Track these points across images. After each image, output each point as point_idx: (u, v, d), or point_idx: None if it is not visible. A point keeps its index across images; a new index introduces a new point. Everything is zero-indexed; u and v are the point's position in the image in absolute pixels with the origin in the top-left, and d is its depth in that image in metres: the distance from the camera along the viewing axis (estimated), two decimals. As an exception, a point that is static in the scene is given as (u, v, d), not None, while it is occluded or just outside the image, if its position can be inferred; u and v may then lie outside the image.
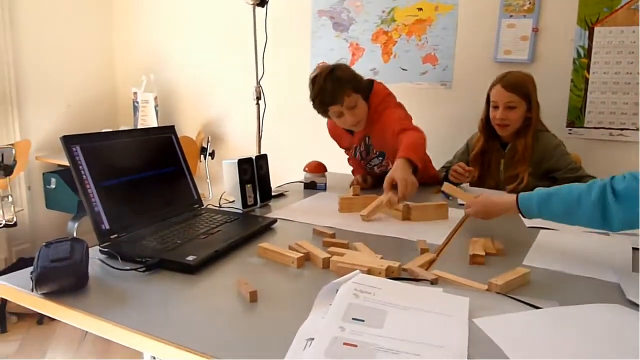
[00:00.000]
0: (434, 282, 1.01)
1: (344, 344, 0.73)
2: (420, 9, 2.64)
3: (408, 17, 2.67)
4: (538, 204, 1.18)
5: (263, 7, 1.93)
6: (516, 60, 2.42)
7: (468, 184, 2.06)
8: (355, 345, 0.73)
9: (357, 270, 0.95)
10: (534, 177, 1.92)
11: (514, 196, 1.25)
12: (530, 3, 2.39)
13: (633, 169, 2.26)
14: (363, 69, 2.81)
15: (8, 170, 2.58)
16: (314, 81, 1.83)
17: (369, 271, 1.03)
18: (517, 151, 1.95)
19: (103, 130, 3.21)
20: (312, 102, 1.86)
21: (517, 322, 0.83)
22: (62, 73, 3.32)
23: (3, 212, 2.58)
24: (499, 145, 2.04)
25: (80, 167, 1.15)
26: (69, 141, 1.15)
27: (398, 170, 1.53)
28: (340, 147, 2.15)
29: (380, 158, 2.01)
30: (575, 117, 2.35)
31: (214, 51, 3.24)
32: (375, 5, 2.73)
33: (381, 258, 1.12)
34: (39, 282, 0.91)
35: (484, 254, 1.16)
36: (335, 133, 2.10)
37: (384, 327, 0.78)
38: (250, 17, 1.96)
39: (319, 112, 1.89)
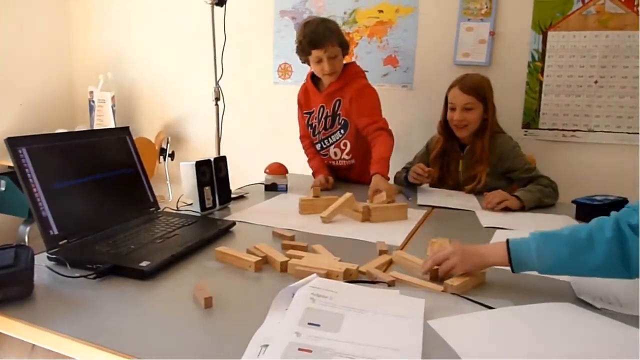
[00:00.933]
0: (391, 284, 1.01)
1: (299, 349, 0.72)
2: (381, 11, 2.66)
3: (369, 19, 2.69)
4: (537, 246, 0.98)
5: (222, 6, 1.90)
6: (475, 63, 2.47)
7: (428, 184, 2.10)
8: (311, 351, 0.72)
9: (315, 274, 0.94)
10: (492, 177, 1.97)
11: (499, 243, 1.03)
12: (487, 7, 2.45)
13: (584, 169, 2.34)
14: (325, 69, 2.81)
15: (-47, 172, 2.45)
16: (306, 24, 2.02)
17: (327, 274, 1.02)
18: (475, 152, 1.99)
19: (56, 131, 3.11)
20: (297, 44, 2.04)
21: (470, 323, 0.85)
22: (15, 71, 3.18)
23: (-52, 217, 2.45)
24: (457, 146, 2.08)
25: (27, 169, 1.10)
26: (14, 143, 1.10)
27: (381, 183, 1.80)
28: (304, 110, 2.22)
29: (342, 131, 2.13)
30: (531, 119, 2.42)
31: (174, 51, 3.18)
32: (337, 6, 2.74)
33: (340, 260, 1.12)
34: (-22, 292, 0.86)
35: (441, 254, 1.17)
36: (305, 91, 2.21)
37: (340, 331, 0.78)
38: (210, 17, 1.93)
39: (301, 55, 2.06)
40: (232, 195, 1.71)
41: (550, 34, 2.34)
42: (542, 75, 2.37)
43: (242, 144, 2.97)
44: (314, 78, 2.18)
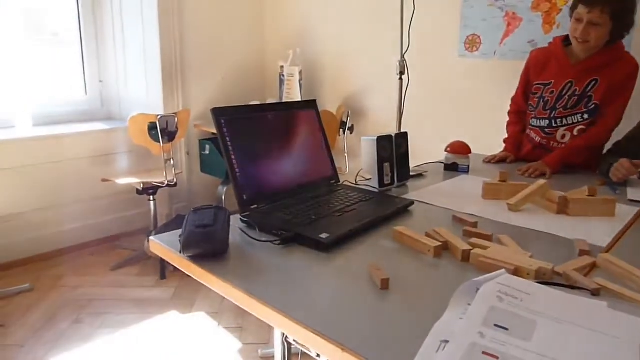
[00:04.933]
0: (595, 293, 0.86)
1: (484, 353, 0.65)
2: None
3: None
4: None
5: (413, -25, 1.82)
6: None
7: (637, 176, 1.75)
8: (497, 357, 0.64)
9: (503, 270, 0.84)
10: None
11: None
12: None
13: None
14: (519, 41, 2.55)
15: (171, 136, 2.86)
16: None
17: (516, 271, 0.92)
18: None
19: (251, 103, 3.41)
20: None
21: None
22: (218, 48, 3.57)
23: (166, 174, 2.88)
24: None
25: (227, 138, 1.20)
26: (218, 113, 1.20)
27: (542, 167, 1.83)
28: (535, 79, 1.98)
29: (586, 116, 1.86)
30: None
31: (358, 23, 3.20)
32: (540, -32, 2.44)
33: (531, 256, 1.00)
34: (185, 245, 0.97)
35: (663, 264, 0.97)
36: (548, 57, 1.95)
37: (532, 340, 0.68)
38: (398, -13, 1.87)
39: (572, 5, 1.82)
40: (411, 173, 1.66)
41: None
42: None
43: (422, 120, 2.88)
44: (565, 45, 1.90)
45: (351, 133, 3.17)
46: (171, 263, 1.06)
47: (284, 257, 1.03)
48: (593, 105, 1.83)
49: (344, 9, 3.27)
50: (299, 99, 3.29)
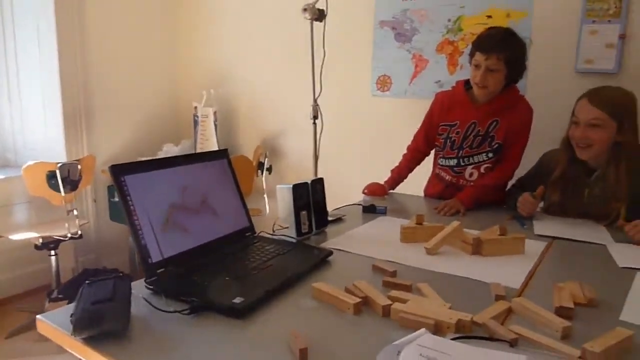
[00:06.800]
0: (513, 344, 0.86)
1: None
2: (490, 17, 2.47)
3: (476, 26, 2.50)
4: None
5: (321, 21, 1.84)
6: (600, 70, 2.19)
7: (539, 208, 1.85)
8: None
9: (424, 329, 0.82)
10: (633, 212, 1.61)
11: None
12: (616, 7, 2.16)
13: None
14: (427, 81, 2.67)
15: (74, 185, 2.65)
16: (491, 28, 1.95)
17: (436, 325, 0.90)
18: (608, 182, 1.68)
19: (163, 146, 3.27)
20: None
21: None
22: (128, 89, 3.41)
23: (69, 226, 2.65)
24: (583, 170, 1.76)
25: (128, 197, 1.11)
26: (117, 171, 1.11)
27: (457, 204, 1.90)
28: (441, 121, 2.03)
29: (490, 155, 1.95)
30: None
31: (273, 67, 3.21)
32: (440, 14, 2.58)
33: (450, 307, 0.98)
34: (76, 327, 0.85)
35: (573, 306, 0.99)
36: (452, 100, 2.02)
37: (456, 410, 0.65)
38: (308, 33, 1.88)
39: (470, 52, 1.92)
40: (329, 218, 1.64)
41: (698, 34, 2.00)
42: (688, 83, 2.03)
43: (339, 160, 2.90)
44: (467, 88, 1.99)
45: (270, 173, 3.12)
46: (63, 346, 0.93)
47: (195, 328, 0.94)
48: (496, 145, 1.93)
49: (258, 51, 3.26)
50: (215, 140, 3.20)
